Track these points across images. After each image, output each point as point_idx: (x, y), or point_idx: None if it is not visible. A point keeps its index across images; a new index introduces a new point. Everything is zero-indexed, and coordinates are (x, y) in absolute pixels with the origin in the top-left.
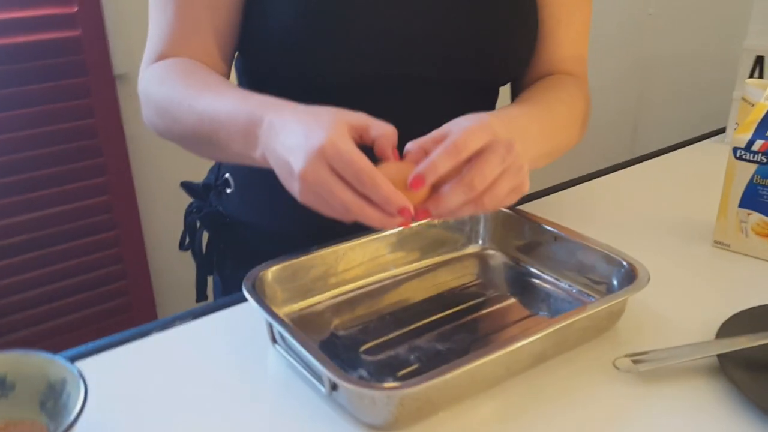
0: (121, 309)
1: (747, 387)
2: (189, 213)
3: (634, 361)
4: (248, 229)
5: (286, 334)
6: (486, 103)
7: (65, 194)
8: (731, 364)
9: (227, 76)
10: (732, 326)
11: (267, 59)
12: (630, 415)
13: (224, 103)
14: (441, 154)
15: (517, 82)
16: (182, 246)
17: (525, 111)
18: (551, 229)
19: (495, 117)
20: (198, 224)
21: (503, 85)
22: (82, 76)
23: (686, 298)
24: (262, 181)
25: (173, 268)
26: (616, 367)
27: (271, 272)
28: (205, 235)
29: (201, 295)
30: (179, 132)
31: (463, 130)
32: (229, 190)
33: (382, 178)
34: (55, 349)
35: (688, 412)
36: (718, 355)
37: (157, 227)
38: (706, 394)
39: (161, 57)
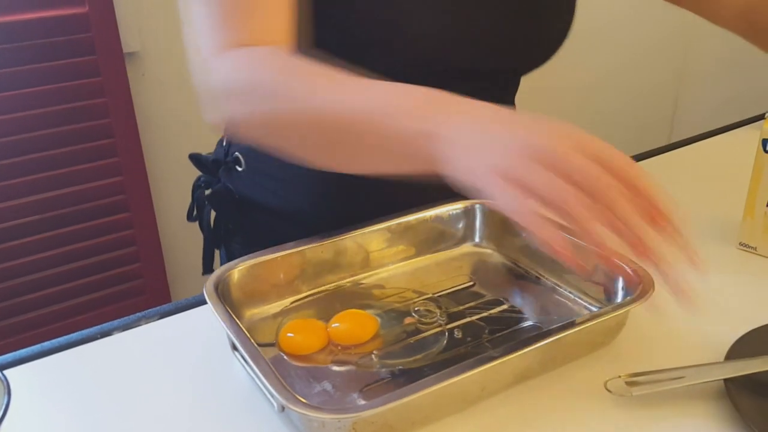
0: (135, 291)
1: (755, 418)
2: (197, 187)
3: (629, 383)
4: (259, 208)
5: (239, 346)
6: (506, 89)
7: (77, 174)
8: (739, 389)
9: None
10: (746, 345)
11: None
12: None
13: (368, 98)
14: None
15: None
16: (190, 217)
17: None
18: None
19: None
20: (206, 201)
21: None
22: (90, 54)
23: (700, 308)
24: (276, 162)
25: (186, 250)
26: (608, 390)
27: (238, 271)
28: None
29: (207, 269)
30: (279, 125)
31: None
32: (239, 169)
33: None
34: (67, 331)
35: None
36: (725, 379)
37: (169, 209)
38: (708, 423)
39: (238, 44)
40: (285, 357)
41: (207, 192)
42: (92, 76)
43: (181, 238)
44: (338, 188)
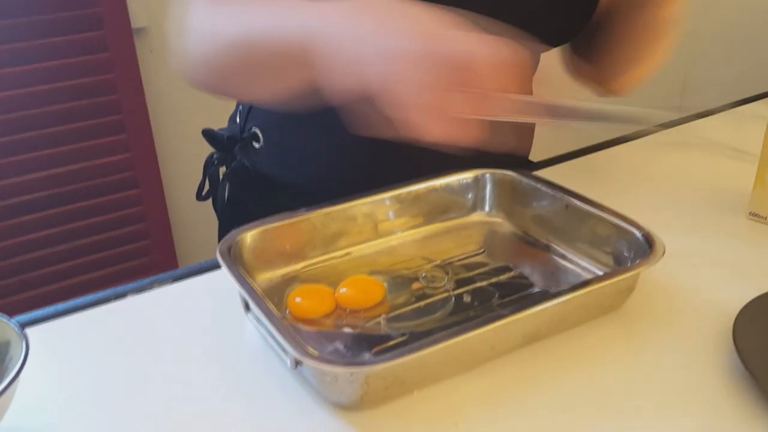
0: (144, 268)
1: (760, 368)
2: (210, 164)
3: None
4: (278, 185)
5: (252, 305)
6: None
7: (85, 151)
8: (751, 353)
9: None
10: (754, 310)
11: None
12: (631, 405)
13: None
14: None
15: None
16: (200, 196)
17: None
18: (562, 195)
19: None
20: (221, 177)
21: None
22: (99, 29)
23: (710, 275)
24: (297, 136)
25: (195, 226)
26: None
27: (250, 235)
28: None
29: None
30: (226, 56)
31: None
32: (257, 145)
33: None
34: None
35: (698, 407)
36: (736, 344)
37: (177, 185)
38: (721, 386)
39: None
40: (294, 324)
41: (222, 169)
42: (100, 51)
43: (190, 215)
44: (362, 162)
